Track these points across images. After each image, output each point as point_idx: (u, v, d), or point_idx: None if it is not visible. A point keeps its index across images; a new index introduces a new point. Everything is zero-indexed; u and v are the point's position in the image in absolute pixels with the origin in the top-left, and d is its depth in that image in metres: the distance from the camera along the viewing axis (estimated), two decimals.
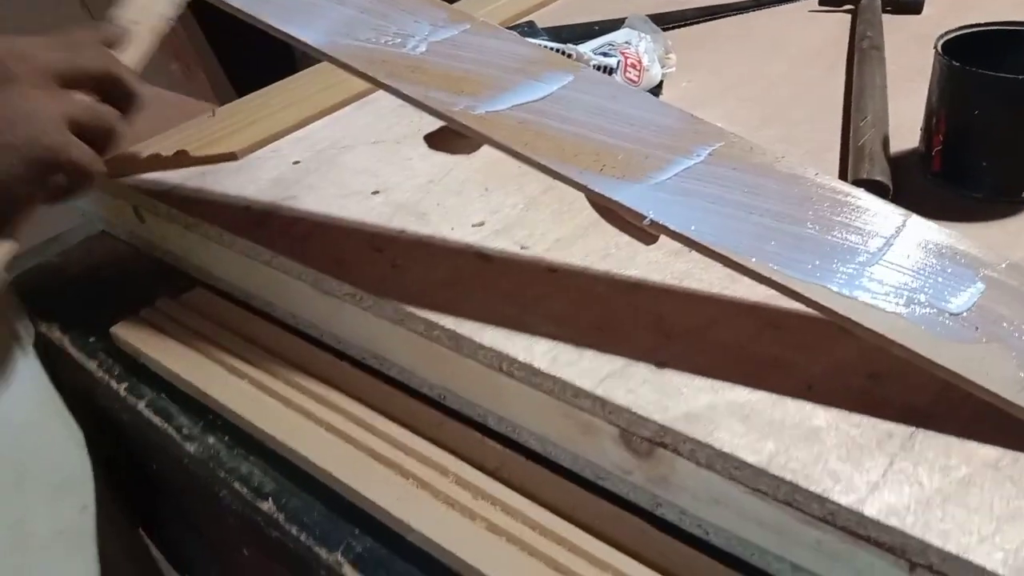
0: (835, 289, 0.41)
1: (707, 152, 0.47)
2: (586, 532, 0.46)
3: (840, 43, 0.81)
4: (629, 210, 0.44)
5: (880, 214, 0.44)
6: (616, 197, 0.44)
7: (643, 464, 0.45)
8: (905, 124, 0.63)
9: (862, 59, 0.72)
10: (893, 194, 0.55)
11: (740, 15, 0.91)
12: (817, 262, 0.42)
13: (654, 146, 0.47)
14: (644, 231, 0.54)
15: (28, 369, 0.62)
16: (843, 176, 0.58)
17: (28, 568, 0.56)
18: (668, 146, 0.47)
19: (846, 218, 0.44)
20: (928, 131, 0.58)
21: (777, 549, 0.41)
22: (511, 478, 0.50)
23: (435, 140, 0.70)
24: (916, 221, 0.44)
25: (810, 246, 0.42)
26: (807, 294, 0.41)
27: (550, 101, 0.49)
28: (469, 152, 0.68)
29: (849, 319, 0.40)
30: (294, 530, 0.51)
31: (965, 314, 0.40)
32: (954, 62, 0.53)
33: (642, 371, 0.45)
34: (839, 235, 0.43)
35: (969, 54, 0.54)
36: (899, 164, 0.59)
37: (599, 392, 0.44)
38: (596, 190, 0.44)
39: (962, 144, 0.55)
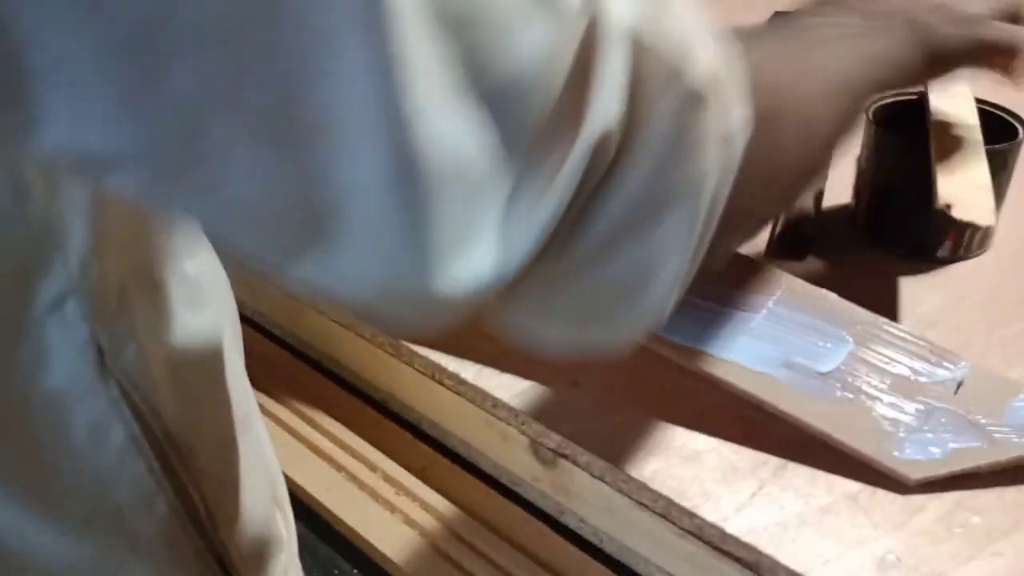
0: (713, 353, 0.45)
1: None
2: (493, 533, 0.50)
3: None
4: None
5: (760, 279, 0.49)
6: None
7: (549, 473, 0.49)
8: (843, 179, 0.67)
9: None
10: (820, 247, 0.59)
11: None
12: (696, 329, 0.46)
13: None
14: None
15: None
16: (774, 226, 0.62)
17: None
18: None
19: (726, 283, 0.48)
20: (857, 190, 0.62)
21: (657, 559, 0.45)
22: (435, 479, 0.54)
23: None
24: (793, 285, 0.49)
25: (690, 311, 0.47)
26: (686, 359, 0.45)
27: None
28: None
29: (724, 380, 0.44)
30: None
31: (833, 373, 0.44)
32: (878, 127, 0.57)
33: (556, 389, 0.49)
34: (717, 303, 0.48)
35: (903, 120, 0.58)
36: (832, 219, 0.63)
37: (514, 404, 0.48)
38: None
39: (883, 204, 0.59)
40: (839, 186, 0.66)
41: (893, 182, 0.58)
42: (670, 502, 0.42)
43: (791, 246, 0.59)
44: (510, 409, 0.48)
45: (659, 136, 0.25)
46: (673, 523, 0.42)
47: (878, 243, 0.60)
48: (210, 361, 0.36)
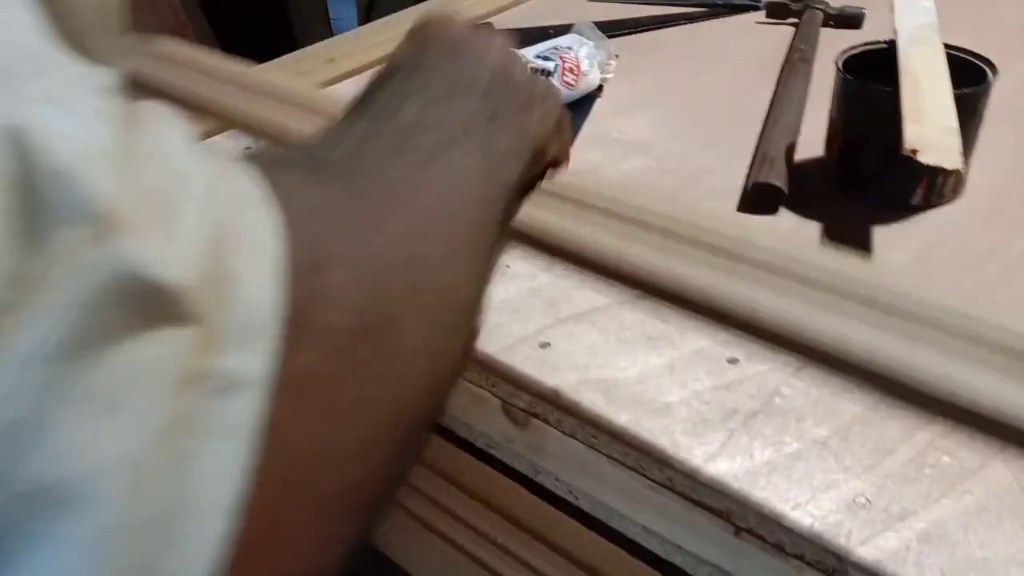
0: None
1: None
2: (469, 496, 0.50)
3: (779, 55, 0.84)
4: None
5: None
6: None
7: (522, 433, 0.48)
8: (819, 134, 0.66)
9: (789, 71, 0.75)
10: (793, 200, 0.59)
11: (692, 24, 0.95)
12: None
13: None
14: None
15: None
16: (747, 179, 0.62)
17: None
18: None
19: None
20: (829, 141, 0.61)
21: (631, 513, 0.45)
22: None
23: None
24: None
25: None
26: None
27: None
28: None
29: None
30: None
31: None
32: (847, 76, 0.56)
33: (527, 349, 0.49)
34: None
35: (873, 69, 0.57)
36: (804, 171, 0.63)
37: (484, 366, 0.48)
38: None
39: (855, 154, 0.59)
40: (811, 140, 0.66)
41: (863, 131, 0.58)
42: (641, 455, 0.42)
43: (763, 200, 0.59)
44: (480, 372, 0.48)
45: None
46: (645, 476, 0.42)
47: (851, 193, 0.59)
48: None
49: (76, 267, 0.15)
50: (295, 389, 0.18)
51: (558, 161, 0.40)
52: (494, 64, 0.33)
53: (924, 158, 0.46)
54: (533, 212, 0.36)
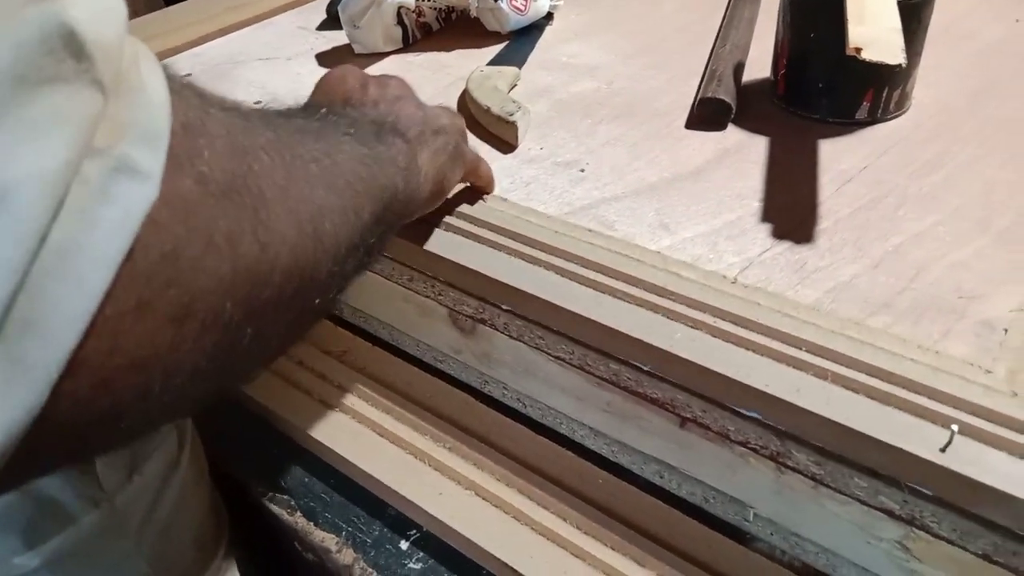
0: None
1: None
2: (418, 405, 0.49)
3: None
4: None
5: None
6: None
7: (469, 342, 0.48)
8: (767, 55, 0.66)
9: None
10: (741, 117, 0.59)
11: None
12: None
13: None
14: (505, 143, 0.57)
15: None
16: (696, 96, 0.62)
17: None
18: None
19: None
20: (776, 58, 0.61)
21: (578, 415, 0.45)
22: (356, 361, 0.53)
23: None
24: None
25: None
26: None
27: None
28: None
29: None
30: None
31: None
32: None
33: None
34: None
35: None
36: (752, 90, 0.63)
37: (429, 272, 0.47)
38: None
39: (801, 68, 0.58)
40: (760, 64, 0.65)
41: (809, 43, 0.57)
42: (586, 351, 0.41)
43: (711, 116, 0.59)
44: (426, 280, 0.47)
45: None
46: (591, 373, 0.42)
47: (798, 108, 0.59)
48: None
49: (17, 16, 0.17)
50: (170, 201, 0.20)
51: (479, 186, 0.48)
52: (388, 103, 0.39)
53: (867, 55, 0.45)
54: None
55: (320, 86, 0.42)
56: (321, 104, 0.37)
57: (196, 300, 0.21)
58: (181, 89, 0.23)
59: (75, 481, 0.41)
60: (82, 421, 0.19)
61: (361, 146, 0.33)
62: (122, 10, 0.21)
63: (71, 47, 0.18)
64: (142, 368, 0.20)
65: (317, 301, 0.29)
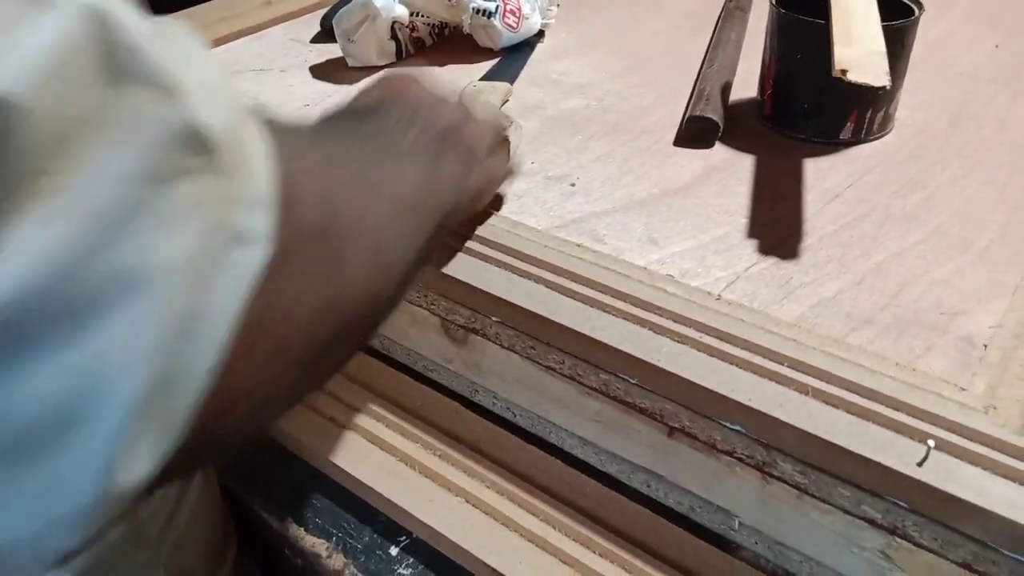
0: None
1: None
2: (409, 413, 0.50)
3: (718, 3, 0.86)
4: None
5: None
6: None
7: (460, 351, 0.49)
8: (754, 76, 0.67)
9: (726, 18, 0.76)
10: (728, 136, 0.60)
11: None
12: None
13: None
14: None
15: None
16: (684, 115, 0.63)
17: None
18: None
19: None
20: (762, 77, 0.62)
21: (568, 424, 0.46)
22: (347, 370, 0.53)
23: None
24: None
25: None
26: None
27: None
28: None
29: None
30: None
31: None
32: (781, 9, 0.58)
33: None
34: None
35: (806, 7, 0.58)
36: (739, 109, 0.64)
37: (421, 284, 0.48)
38: None
39: (787, 89, 0.60)
40: (746, 83, 0.67)
41: (795, 65, 0.59)
42: (576, 362, 0.42)
43: (699, 134, 0.60)
44: (419, 289, 0.48)
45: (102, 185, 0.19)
46: (580, 383, 0.43)
47: (784, 128, 0.61)
48: None
49: (151, 117, 0.20)
50: (278, 255, 0.23)
51: (495, 206, 0.50)
52: (447, 124, 0.40)
53: (853, 76, 0.47)
54: None
55: (383, 87, 0.41)
56: (386, 111, 0.38)
57: (290, 337, 0.25)
58: (270, 137, 0.25)
59: None
60: (202, 446, 0.22)
61: (424, 164, 0.35)
62: (228, 85, 0.23)
63: (195, 144, 0.21)
64: (248, 397, 0.24)
65: (376, 327, 0.33)
